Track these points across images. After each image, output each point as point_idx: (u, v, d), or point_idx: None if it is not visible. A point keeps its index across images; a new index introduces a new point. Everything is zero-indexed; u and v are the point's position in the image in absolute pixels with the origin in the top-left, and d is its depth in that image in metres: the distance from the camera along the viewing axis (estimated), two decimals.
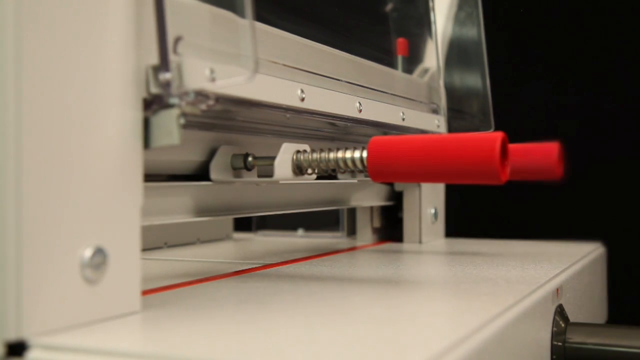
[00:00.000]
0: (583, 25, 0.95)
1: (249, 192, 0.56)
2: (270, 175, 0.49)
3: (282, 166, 0.48)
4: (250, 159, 0.50)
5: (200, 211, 0.51)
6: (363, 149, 0.47)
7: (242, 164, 0.50)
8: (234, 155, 0.50)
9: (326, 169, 0.48)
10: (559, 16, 0.98)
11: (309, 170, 0.49)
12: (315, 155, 0.48)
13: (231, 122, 0.52)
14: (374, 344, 0.33)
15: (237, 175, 0.51)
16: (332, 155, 0.48)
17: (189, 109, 0.39)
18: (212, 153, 0.50)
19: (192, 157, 0.49)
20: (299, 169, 0.49)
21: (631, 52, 0.93)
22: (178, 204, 0.49)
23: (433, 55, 0.78)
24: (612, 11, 0.94)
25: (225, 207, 0.54)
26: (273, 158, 0.48)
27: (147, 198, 0.44)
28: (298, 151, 0.49)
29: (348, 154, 0.47)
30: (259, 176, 0.51)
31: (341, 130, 0.65)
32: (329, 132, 0.65)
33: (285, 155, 0.48)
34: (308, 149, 0.50)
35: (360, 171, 0.48)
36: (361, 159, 0.47)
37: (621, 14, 0.94)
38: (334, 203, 0.70)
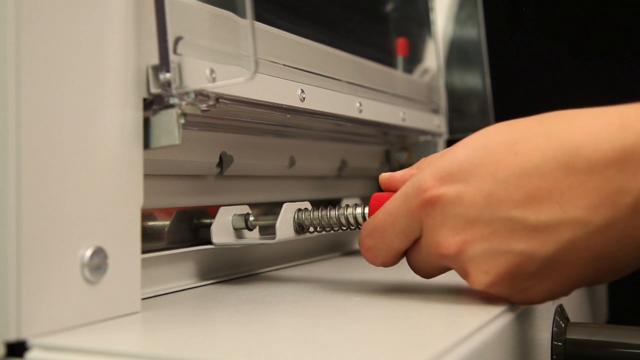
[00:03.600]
0: (585, 25, 0.95)
1: (251, 249, 0.56)
2: (272, 232, 0.49)
3: (284, 226, 0.48)
4: (251, 219, 0.50)
5: (204, 274, 0.51)
6: (364, 205, 0.47)
7: (243, 225, 0.50)
8: (235, 216, 0.50)
9: (327, 226, 0.48)
10: (559, 16, 0.98)
11: (311, 229, 0.49)
12: (317, 214, 0.49)
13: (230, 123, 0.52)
14: (374, 345, 0.33)
15: (239, 235, 0.50)
16: (333, 212, 0.48)
17: (189, 109, 0.39)
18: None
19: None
20: (300, 228, 0.49)
21: (636, 55, 0.93)
22: (181, 270, 0.49)
23: (433, 55, 0.78)
24: (616, 13, 0.94)
25: (228, 266, 0.54)
26: (274, 216, 0.48)
27: (149, 267, 0.45)
28: (299, 209, 0.49)
29: (349, 211, 0.47)
30: (261, 233, 0.51)
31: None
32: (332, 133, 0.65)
33: (286, 215, 0.48)
34: (309, 206, 0.50)
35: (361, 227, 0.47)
36: (363, 215, 0.47)
37: (627, 17, 0.94)
38: (335, 249, 0.70)
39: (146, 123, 0.39)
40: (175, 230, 0.49)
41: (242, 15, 0.39)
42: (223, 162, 0.52)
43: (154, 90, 0.38)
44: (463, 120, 0.81)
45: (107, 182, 0.36)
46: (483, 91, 0.81)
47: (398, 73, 0.73)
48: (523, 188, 0.37)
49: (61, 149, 0.34)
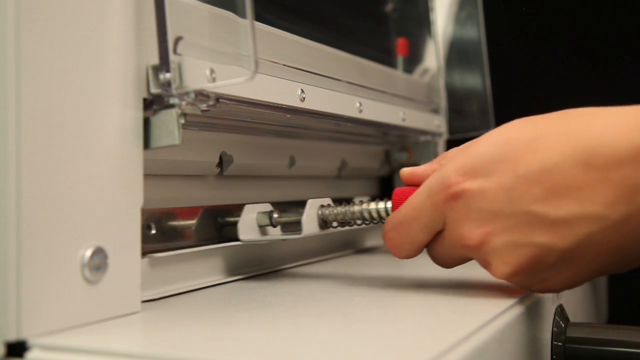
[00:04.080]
0: (585, 25, 0.95)
1: (272, 245, 0.57)
2: (294, 229, 0.50)
3: (309, 222, 0.49)
4: (275, 215, 0.51)
5: (232, 270, 0.52)
6: (387, 199, 0.48)
7: (267, 222, 0.51)
8: (259, 213, 0.51)
9: (350, 220, 0.49)
10: (559, 16, 0.98)
11: (334, 224, 0.50)
12: (340, 209, 0.50)
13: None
14: (374, 345, 0.33)
15: (263, 232, 0.52)
16: (356, 207, 0.49)
17: (189, 109, 0.39)
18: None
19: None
20: (324, 223, 0.50)
21: (637, 55, 0.93)
22: (210, 266, 0.50)
23: (433, 55, 0.78)
24: (616, 14, 0.94)
25: (253, 263, 0.55)
26: (297, 214, 0.50)
27: (178, 263, 0.46)
28: (322, 205, 0.50)
29: (372, 206, 0.48)
30: (283, 230, 0.52)
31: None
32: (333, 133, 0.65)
33: (311, 211, 0.49)
34: (331, 202, 0.51)
35: (380, 222, 0.48)
36: (386, 209, 0.48)
37: (627, 18, 0.94)
38: (349, 246, 0.70)
39: (146, 123, 0.39)
40: (202, 228, 0.50)
41: (242, 15, 0.39)
42: (223, 162, 0.52)
43: (154, 90, 0.38)
44: (463, 120, 0.81)
45: (107, 182, 0.36)
46: (483, 91, 0.81)
47: (398, 73, 0.73)
48: (543, 184, 0.38)
49: (61, 149, 0.34)
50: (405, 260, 0.45)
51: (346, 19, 0.69)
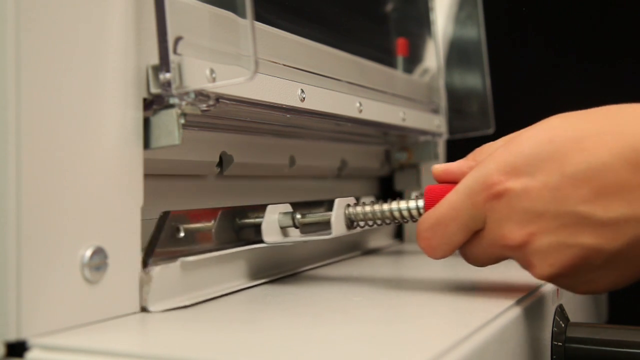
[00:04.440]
0: (585, 26, 0.95)
1: (286, 248, 0.55)
2: (315, 230, 0.50)
3: (338, 222, 0.48)
4: (298, 216, 0.49)
5: (253, 274, 0.50)
6: (417, 198, 0.47)
7: (290, 223, 0.49)
8: (282, 214, 0.50)
9: (379, 220, 0.48)
10: (559, 16, 0.98)
11: (361, 223, 0.49)
12: (369, 208, 0.48)
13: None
14: (375, 345, 0.33)
15: (285, 234, 0.50)
16: (385, 206, 0.48)
17: (189, 109, 0.39)
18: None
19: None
20: (351, 223, 0.49)
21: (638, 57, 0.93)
22: (234, 270, 0.48)
23: (433, 55, 0.78)
24: (617, 14, 0.94)
25: (275, 265, 0.53)
26: (320, 214, 0.49)
27: (207, 267, 0.45)
28: (348, 205, 0.49)
29: (403, 204, 0.47)
30: (303, 231, 0.51)
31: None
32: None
33: (339, 211, 0.48)
34: (355, 201, 0.50)
35: (415, 220, 0.47)
36: (417, 208, 0.47)
37: (628, 17, 0.94)
38: (355, 248, 0.69)
39: (146, 123, 0.39)
40: (222, 230, 0.48)
41: (242, 15, 0.39)
42: (223, 162, 0.52)
43: (154, 90, 0.38)
44: (463, 120, 0.81)
45: (107, 182, 0.36)
46: (483, 91, 0.81)
47: (398, 73, 0.73)
48: (590, 184, 0.38)
49: (61, 149, 0.34)
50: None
51: (346, 19, 0.69)
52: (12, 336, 0.32)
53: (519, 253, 0.40)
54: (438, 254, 0.44)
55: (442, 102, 0.77)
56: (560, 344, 0.46)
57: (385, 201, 0.48)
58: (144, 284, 0.39)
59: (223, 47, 0.41)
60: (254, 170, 0.56)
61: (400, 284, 0.49)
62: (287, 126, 0.58)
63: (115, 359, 0.31)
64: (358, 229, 0.50)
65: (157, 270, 0.39)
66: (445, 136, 0.77)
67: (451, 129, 0.79)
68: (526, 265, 0.41)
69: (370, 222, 0.49)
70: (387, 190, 0.81)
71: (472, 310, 0.40)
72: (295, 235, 0.50)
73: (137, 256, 0.38)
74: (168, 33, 0.38)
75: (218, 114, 0.48)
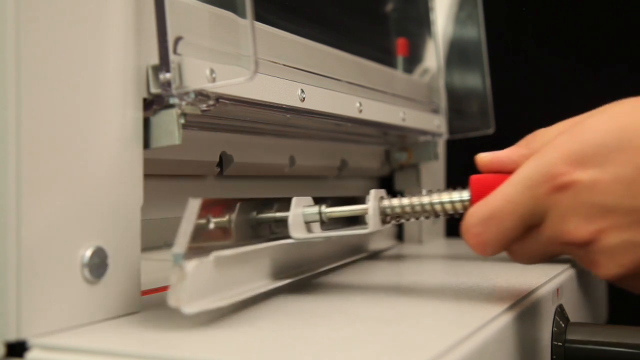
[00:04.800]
0: (587, 25, 0.95)
1: (302, 247, 0.51)
2: (340, 226, 0.46)
3: (374, 216, 0.44)
4: (326, 210, 0.45)
5: (277, 273, 0.46)
6: (461, 189, 0.43)
7: (317, 218, 0.45)
8: (307, 208, 0.45)
9: (417, 214, 0.44)
10: (559, 16, 0.98)
11: (396, 218, 0.45)
12: (406, 201, 0.44)
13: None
14: (375, 345, 0.33)
15: (308, 229, 0.46)
16: (425, 199, 0.43)
17: (189, 109, 0.39)
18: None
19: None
20: (385, 217, 0.44)
21: (636, 52, 0.93)
22: (260, 268, 0.44)
23: (433, 55, 0.78)
24: (616, 14, 0.94)
25: (291, 266, 0.49)
26: (347, 208, 0.45)
27: (239, 264, 0.41)
28: (382, 197, 0.45)
29: (445, 197, 0.42)
30: (325, 227, 0.47)
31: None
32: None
33: (374, 204, 0.44)
34: (385, 194, 0.46)
35: (458, 215, 0.43)
36: (462, 201, 0.42)
37: (627, 17, 0.94)
38: (359, 251, 0.65)
39: (146, 123, 0.39)
40: (241, 224, 0.43)
41: (242, 15, 0.39)
42: (223, 162, 0.52)
43: (154, 90, 0.38)
44: (463, 120, 0.81)
45: (107, 182, 0.36)
46: (483, 91, 0.81)
47: (398, 73, 0.73)
48: None
49: (61, 148, 0.34)
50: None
51: (346, 19, 0.69)
52: (12, 336, 0.32)
53: (583, 251, 0.37)
54: (489, 251, 0.40)
55: (442, 102, 0.77)
56: (560, 344, 0.46)
57: (422, 193, 0.43)
58: (177, 281, 0.34)
59: (223, 47, 0.41)
60: (254, 170, 0.56)
61: (401, 284, 0.49)
62: (287, 126, 0.58)
63: (115, 359, 0.31)
64: (392, 224, 0.45)
65: (193, 266, 0.35)
66: (445, 136, 0.77)
67: (451, 129, 0.79)
68: (590, 264, 0.38)
69: (407, 217, 0.44)
70: (387, 191, 0.81)
71: (472, 310, 0.40)
72: (317, 230, 0.46)
73: (137, 256, 0.38)
74: (168, 33, 0.38)
75: (218, 114, 0.48)
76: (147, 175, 0.39)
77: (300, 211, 0.45)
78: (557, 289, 0.50)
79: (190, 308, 0.35)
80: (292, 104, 0.49)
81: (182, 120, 0.39)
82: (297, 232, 0.44)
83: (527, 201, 0.38)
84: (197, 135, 0.49)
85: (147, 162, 0.39)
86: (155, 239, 0.77)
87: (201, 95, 0.40)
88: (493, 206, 0.39)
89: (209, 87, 0.39)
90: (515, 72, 0.95)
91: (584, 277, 0.62)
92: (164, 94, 0.38)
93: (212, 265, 0.38)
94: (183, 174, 0.49)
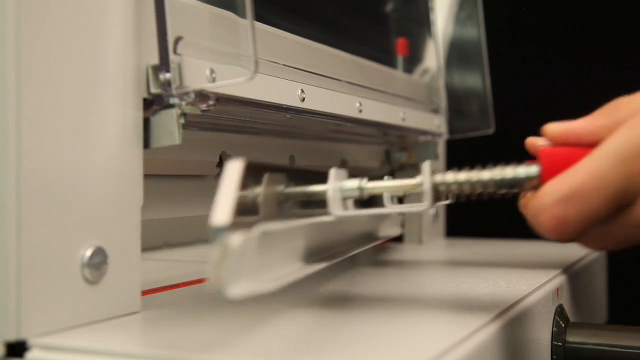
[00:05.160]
0: (587, 26, 0.95)
1: (328, 229, 0.44)
2: (379, 204, 0.41)
3: (429, 192, 0.38)
4: (368, 185, 0.39)
5: (311, 255, 0.41)
6: (528, 163, 0.37)
7: (357, 194, 0.39)
8: (346, 183, 0.40)
9: (476, 191, 0.38)
10: (559, 16, 0.98)
11: (450, 196, 0.39)
12: (463, 176, 0.38)
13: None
14: (374, 345, 0.33)
15: (344, 206, 0.40)
16: (486, 174, 0.37)
17: (189, 109, 0.39)
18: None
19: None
20: (437, 195, 0.39)
21: (635, 53, 0.93)
22: (295, 248, 0.39)
23: (433, 55, 0.78)
24: (616, 15, 0.94)
25: (326, 248, 0.44)
26: (397, 183, 0.40)
27: (276, 242, 0.35)
28: (434, 171, 0.39)
29: (509, 172, 0.37)
30: (360, 205, 0.42)
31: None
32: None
33: (428, 178, 0.38)
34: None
35: (520, 192, 0.38)
36: (528, 177, 0.37)
37: (627, 18, 0.94)
38: (373, 237, 0.59)
39: (146, 123, 0.39)
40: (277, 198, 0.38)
41: (242, 15, 0.39)
42: (223, 162, 0.52)
43: (154, 90, 0.38)
44: (463, 120, 0.81)
45: (107, 182, 0.36)
46: (483, 91, 0.81)
47: (398, 73, 0.73)
48: None
49: (61, 148, 0.34)
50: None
51: (346, 19, 0.69)
52: (12, 336, 0.32)
53: None
54: (569, 234, 0.35)
55: (442, 102, 0.77)
56: (560, 344, 0.46)
57: (480, 168, 0.38)
58: (220, 259, 0.29)
59: (223, 47, 0.41)
60: None
61: (400, 283, 0.49)
62: (287, 126, 0.58)
63: (115, 359, 0.31)
64: (444, 202, 0.40)
65: (239, 241, 0.29)
66: (445, 136, 0.77)
67: (451, 129, 0.79)
68: None
69: (463, 194, 0.39)
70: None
71: (472, 310, 0.40)
72: (351, 209, 0.41)
73: (137, 256, 0.38)
74: (168, 33, 0.38)
75: (218, 114, 0.48)
76: (147, 175, 0.39)
77: (339, 185, 0.39)
78: (557, 289, 0.50)
79: (234, 290, 0.29)
80: (292, 104, 0.49)
81: (182, 120, 0.39)
82: (337, 208, 0.39)
83: (618, 178, 0.33)
84: (197, 135, 0.49)
85: (147, 162, 0.39)
86: (155, 239, 0.77)
87: (201, 95, 0.40)
88: (576, 182, 0.34)
89: (209, 87, 0.39)
90: (515, 72, 0.95)
91: (584, 277, 0.62)
92: (164, 94, 0.38)
93: (256, 242, 0.32)
94: (183, 174, 0.49)
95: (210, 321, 0.37)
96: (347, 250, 0.48)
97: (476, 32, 0.82)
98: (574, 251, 0.69)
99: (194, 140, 0.49)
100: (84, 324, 0.35)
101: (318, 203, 0.40)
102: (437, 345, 0.31)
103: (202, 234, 0.85)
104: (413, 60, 0.77)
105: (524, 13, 0.98)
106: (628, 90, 0.39)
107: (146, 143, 0.39)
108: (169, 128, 0.39)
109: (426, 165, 0.38)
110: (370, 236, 0.57)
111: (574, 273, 0.57)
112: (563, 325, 0.47)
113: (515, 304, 0.41)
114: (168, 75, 0.38)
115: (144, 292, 0.44)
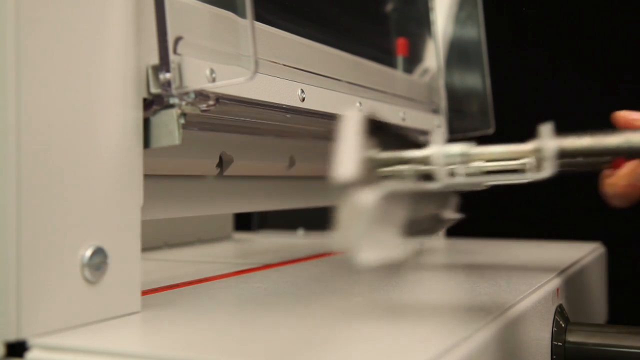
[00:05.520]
0: (587, 26, 0.95)
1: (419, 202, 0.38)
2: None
3: (551, 157, 0.33)
4: (474, 152, 0.34)
5: (408, 227, 0.35)
6: None
7: (458, 160, 0.34)
8: (449, 149, 0.34)
9: (598, 158, 0.34)
10: (559, 16, 0.98)
11: (570, 164, 0.34)
12: (586, 141, 0.33)
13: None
14: (374, 345, 0.33)
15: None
16: (611, 140, 0.33)
17: (189, 109, 0.39)
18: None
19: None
20: (564, 158, 0.33)
21: (633, 53, 0.93)
22: (402, 216, 0.34)
23: (433, 55, 0.78)
24: (616, 15, 0.94)
25: (413, 222, 0.36)
26: (513, 150, 0.34)
27: (395, 204, 0.31)
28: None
29: (635, 138, 0.32)
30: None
31: None
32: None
33: (549, 142, 0.33)
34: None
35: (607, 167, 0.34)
36: None
37: (626, 19, 0.94)
38: (439, 220, 0.50)
39: (146, 123, 0.39)
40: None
41: (242, 15, 0.39)
42: (223, 162, 0.52)
43: (154, 90, 0.38)
44: (463, 120, 0.81)
45: (107, 182, 0.36)
46: (483, 91, 0.81)
47: (398, 73, 0.73)
48: None
49: (61, 148, 0.34)
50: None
51: (346, 19, 0.69)
52: (12, 336, 0.32)
53: None
54: None
55: (442, 102, 0.77)
56: (560, 344, 0.46)
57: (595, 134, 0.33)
58: (351, 218, 0.25)
59: (223, 47, 0.41)
60: (254, 170, 0.56)
61: (400, 283, 0.49)
62: (287, 126, 0.58)
63: (115, 359, 0.31)
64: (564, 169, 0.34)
65: (372, 199, 0.26)
66: (445, 136, 0.77)
67: (451, 129, 0.79)
68: None
69: (586, 161, 0.34)
70: None
71: (472, 310, 0.40)
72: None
73: (137, 256, 0.38)
74: (168, 33, 0.38)
75: (218, 114, 0.48)
76: (147, 175, 0.39)
77: (444, 150, 0.34)
78: (557, 289, 0.50)
79: (366, 255, 0.26)
80: (292, 104, 0.49)
81: (182, 120, 0.39)
82: (444, 175, 0.34)
83: None
84: (197, 135, 0.49)
85: (147, 162, 0.39)
86: (155, 239, 0.77)
87: (201, 95, 0.40)
88: None
89: (209, 87, 0.39)
90: (515, 72, 0.95)
91: (584, 277, 0.62)
92: (164, 94, 0.38)
93: (384, 202, 0.28)
94: (183, 174, 0.49)
95: (210, 321, 0.37)
96: (429, 229, 0.43)
97: (476, 32, 0.82)
98: (574, 251, 0.69)
99: (194, 140, 0.49)
100: (84, 324, 0.35)
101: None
102: (437, 346, 0.31)
103: (202, 234, 0.85)
104: (413, 60, 0.77)
105: (524, 13, 0.98)
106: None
107: (146, 143, 0.39)
108: (169, 128, 0.39)
109: (546, 128, 0.33)
110: (437, 219, 0.50)
111: (574, 273, 0.57)
112: (563, 325, 0.47)
113: (515, 304, 0.41)
114: (168, 75, 0.38)
115: (144, 292, 0.44)
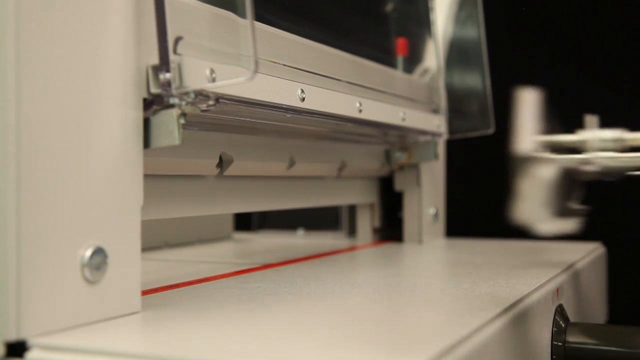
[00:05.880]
0: (586, 26, 0.95)
1: None
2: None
3: None
4: (626, 133, 0.33)
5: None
6: None
7: (613, 146, 0.34)
8: (601, 132, 0.33)
9: None
10: (559, 16, 0.98)
11: None
12: None
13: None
14: (374, 345, 0.33)
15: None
16: None
17: (189, 109, 0.39)
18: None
19: None
20: None
21: (634, 53, 0.93)
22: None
23: (433, 55, 0.78)
24: (615, 14, 0.94)
25: None
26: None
27: None
28: None
29: None
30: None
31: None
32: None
33: None
34: None
35: None
36: None
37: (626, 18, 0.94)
38: None
39: (146, 123, 0.39)
40: None
41: (242, 15, 0.39)
42: (223, 162, 0.52)
43: (154, 90, 0.38)
44: (463, 120, 0.81)
45: (107, 182, 0.36)
46: (483, 91, 0.81)
47: (398, 73, 0.73)
48: None
49: (61, 148, 0.34)
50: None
51: (346, 19, 0.69)
52: (12, 336, 0.32)
53: None
54: None
55: (442, 102, 0.77)
56: (560, 344, 0.46)
57: None
58: (531, 190, 0.26)
59: (223, 47, 0.41)
60: (254, 170, 0.56)
61: (400, 283, 0.49)
62: (287, 126, 0.58)
63: (115, 359, 0.31)
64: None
65: (548, 173, 0.28)
66: (445, 136, 0.77)
67: (451, 129, 0.79)
68: None
69: None
70: (388, 191, 0.81)
71: (472, 310, 0.40)
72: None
73: (137, 256, 0.38)
74: (168, 33, 0.38)
75: (218, 114, 0.48)
76: (147, 175, 0.39)
77: (598, 135, 0.35)
78: (557, 289, 0.50)
79: (544, 226, 0.29)
80: (292, 104, 0.49)
81: (182, 120, 0.39)
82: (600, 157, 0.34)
83: None
84: (197, 135, 0.49)
85: (147, 162, 0.39)
86: (155, 239, 0.77)
87: (201, 95, 0.40)
88: None
89: (209, 87, 0.39)
90: (515, 73, 0.95)
91: (584, 277, 0.62)
92: (164, 94, 0.38)
93: (555, 178, 0.30)
94: (183, 174, 0.49)
95: (210, 321, 0.37)
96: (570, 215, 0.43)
97: (476, 32, 0.82)
98: (574, 251, 0.69)
99: (194, 140, 0.49)
100: (84, 324, 0.35)
101: None
102: (437, 345, 0.31)
103: (202, 234, 0.85)
104: (413, 60, 0.77)
105: (524, 13, 0.98)
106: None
107: (146, 143, 0.39)
108: (169, 128, 0.39)
109: None
110: (569, 208, 0.48)
111: (574, 273, 0.57)
112: (563, 325, 0.47)
113: (515, 304, 0.41)
114: (168, 75, 0.38)
115: (144, 292, 0.44)
